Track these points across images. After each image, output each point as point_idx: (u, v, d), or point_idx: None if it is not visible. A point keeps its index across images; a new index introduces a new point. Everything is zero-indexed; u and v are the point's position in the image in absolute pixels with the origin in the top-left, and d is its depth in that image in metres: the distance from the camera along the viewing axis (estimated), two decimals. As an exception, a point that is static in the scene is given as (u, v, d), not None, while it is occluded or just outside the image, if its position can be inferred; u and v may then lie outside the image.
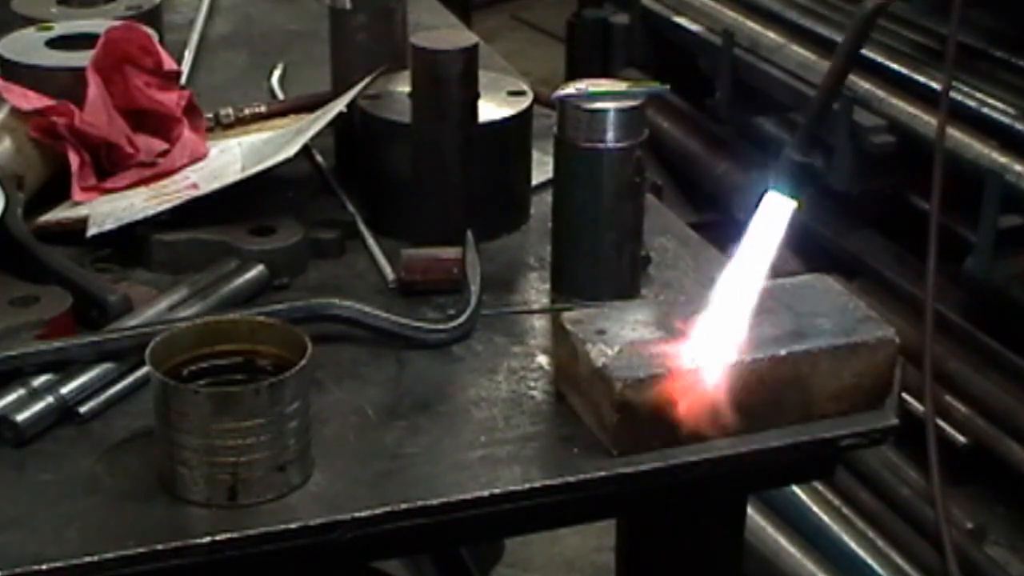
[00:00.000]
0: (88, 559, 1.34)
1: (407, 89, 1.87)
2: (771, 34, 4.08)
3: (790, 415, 1.54)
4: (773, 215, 1.55)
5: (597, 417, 1.51)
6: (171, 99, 2.03)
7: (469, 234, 1.79)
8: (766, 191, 1.56)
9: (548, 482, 1.47)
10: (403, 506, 1.42)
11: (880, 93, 3.67)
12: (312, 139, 1.95)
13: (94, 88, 1.95)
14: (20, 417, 1.49)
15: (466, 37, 1.88)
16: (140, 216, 1.84)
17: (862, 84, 3.69)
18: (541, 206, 1.93)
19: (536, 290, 1.81)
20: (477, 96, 1.84)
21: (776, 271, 1.63)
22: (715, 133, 4.37)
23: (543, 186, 1.94)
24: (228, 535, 1.38)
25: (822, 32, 3.99)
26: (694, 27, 4.36)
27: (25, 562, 1.33)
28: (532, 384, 1.62)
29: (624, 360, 1.50)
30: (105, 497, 1.43)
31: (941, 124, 3.19)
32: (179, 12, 2.66)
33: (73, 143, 1.93)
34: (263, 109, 2.20)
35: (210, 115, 2.15)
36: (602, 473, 1.48)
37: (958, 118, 3.40)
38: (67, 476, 1.45)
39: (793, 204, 1.55)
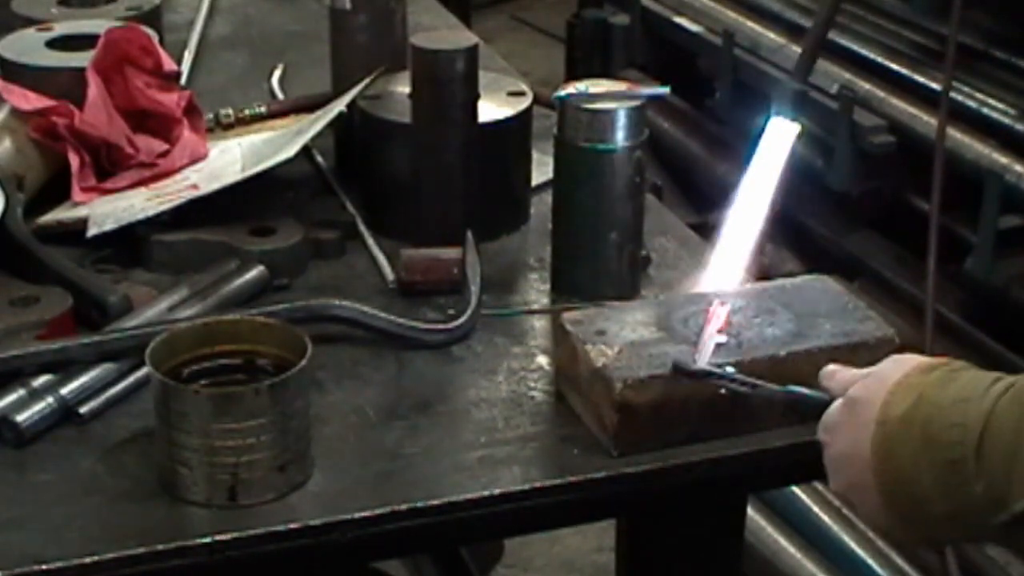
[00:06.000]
0: (88, 559, 1.34)
1: (407, 89, 1.87)
2: (771, 34, 4.07)
3: (790, 415, 1.54)
4: (777, 140, 1.55)
5: (597, 417, 1.51)
6: (171, 100, 2.04)
7: (469, 234, 1.79)
8: (769, 118, 1.56)
9: (548, 482, 1.47)
10: (403, 506, 1.42)
11: (880, 93, 3.67)
12: (312, 139, 1.95)
13: (94, 88, 1.95)
14: (20, 417, 1.49)
15: (466, 37, 1.88)
16: (140, 216, 1.84)
17: (862, 84, 3.69)
18: (541, 206, 1.93)
19: (536, 290, 1.81)
20: (477, 96, 1.84)
21: (776, 271, 1.63)
22: (715, 133, 4.37)
23: (543, 186, 1.94)
24: (228, 535, 1.38)
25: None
26: (694, 27, 4.35)
27: (25, 562, 1.33)
28: (532, 384, 1.62)
29: (624, 360, 1.50)
30: (105, 497, 1.43)
31: (941, 124, 3.19)
32: (179, 12, 2.66)
33: (73, 143, 1.93)
34: (263, 109, 2.20)
35: (210, 115, 2.15)
36: (602, 473, 1.48)
37: (958, 118, 3.39)
38: (67, 476, 1.45)
39: (796, 128, 1.55)
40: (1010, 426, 1.16)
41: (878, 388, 1.26)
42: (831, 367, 1.38)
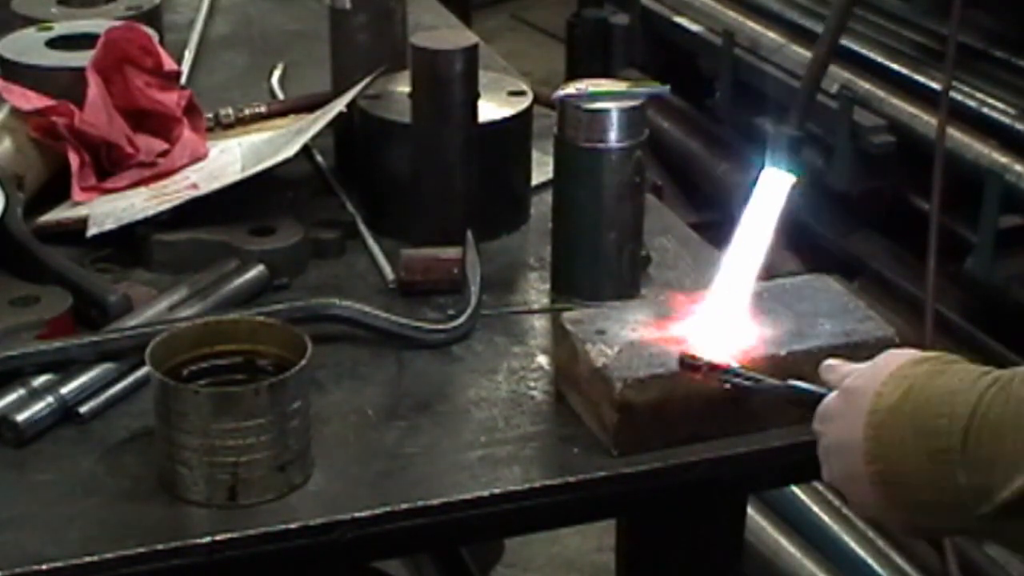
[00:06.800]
0: (88, 559, 1.34)
1: (407, 89, 1.87)
2: (771, 34, 4.08)
3: (790, 415, 1.53)
4: (772, 191, 1.55)
5: (597, 417, 1.51)
6: (171, 99, 2.03)
7: (469, 234, 1.79)
8: (763, 168, 1.56)
9: (548, 482, 1.47)
10: (403, 506, 1.42)
11: (880, 93, 3.67)
12: (312, 139, 1.95)
13: (94, 88, 1.95)
14: (20, 417, 1.49)
15: (466, 37, 1.88)
16: (140, 216, 1.84)
17: (862, 84, 3.69)
18: (541, 206, 1.93)
19: (536, 290, 1.81)
20: (477, 96, 1.84)
21: (776, 271, 1.63)
22: (715, 133, 4.37)
23: (543, 186, 1.94)
24: (228, 535, 1.38)
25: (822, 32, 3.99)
26: (694, 27, 4.35)
27: (25, 562, 1.33)
28: (532, 384, 1.62)
29: (624, 360, 1.50)
30: (105, 497, 1.43)
31: (941, 124, 3.19)
32: (179, 12, 2.66)
33: (73, 143, 1.93)
34: (263, 109, 2.20)
35: (210, 115, 2.14)
36: (602, 473, 1.48)
37: (958, 118, 3.40)
38: (67, 476, 1.45)
39: (792, 179, 1.55)
40: (994, 419, 1.18)
41: (872, 379, 1.29)
42: (831, 361, 1.41)
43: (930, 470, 1.21)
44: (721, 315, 1.53)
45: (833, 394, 1.34)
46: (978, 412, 1.19)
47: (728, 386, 1.45)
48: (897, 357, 1.31)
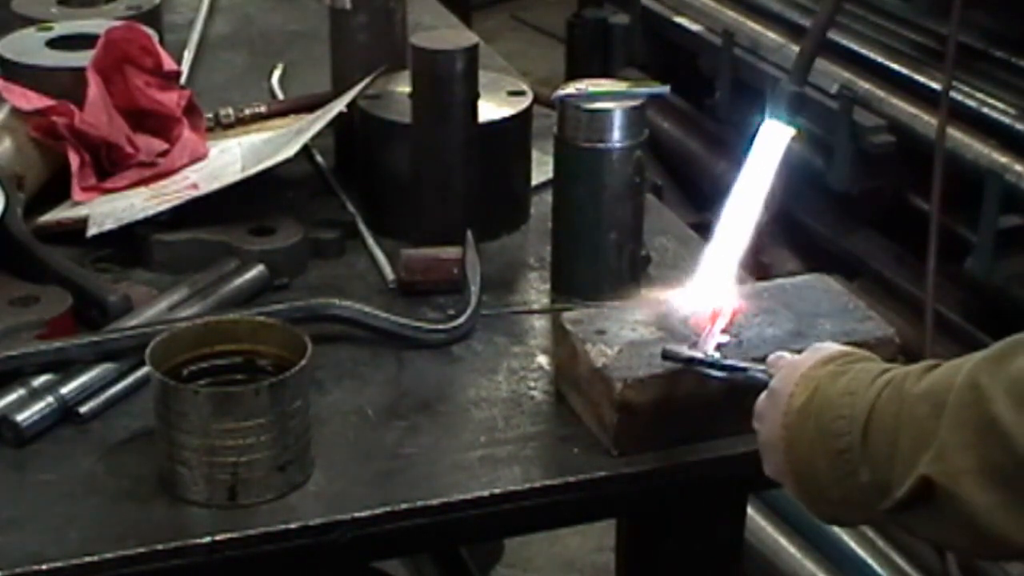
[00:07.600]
0: (88, 559, 1.34)
1: (407, 89, 1.87)
2: (771, 34, 4.07)
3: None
4: (771, 143, 1.57)
5: (597, 417, 1.51)
6: (171, 99, 2.04)
7: (469, 234, 1.79)
8: (763, 120, 1.57)
9: (548, 482, 1.47)
10: (403, 506, 1.42)
11: (880, 93, 3.67)
12: (312, 139, 1.95)
13: (94, 88, 1.95)
14: (20, 417, 1.49)
15: (466, 37, 1.88)
16: (140, 216, 1.84)
17: (862, 84, 3.69)
18: (541, 206, 1.93)
19: (536, 290, 1.81)
20: (477, 96, 1.84)
21: (776, 271, 1.63)
22: (715, 133, 4.37)
23: (543, 186, 1.94)
24: (228, 535, 1.38)
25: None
26: (694, 27, 4.35)
27: (25, 562, 1.33)
28: (532, 384, 1.62)
29: (624, 360, 1.50)
30: (105, 497, 1.43)
31: (941, 124, 3.19)
32: (179, 12, 2.66)
33: (73, 143, 1.93)
34: (263, 109, 2.21)
35: (210, 115, 2.15)
36: (602, 473, 1.48)
37: (958, 118, 3.39)
38: (67, 476, 1.45)
39: (791, 132, 1.56)
40: (890, 418, 1.22)
41: (788, 380, 1.34)
42: (776, 354, 1.43)
43: (836, 469, 1.26)
44: (714, 293, 1.54)
45: (764, 393, 1.38)
46: (874, 413, 1.23)
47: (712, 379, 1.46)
48: (814, 355, 1.35)
